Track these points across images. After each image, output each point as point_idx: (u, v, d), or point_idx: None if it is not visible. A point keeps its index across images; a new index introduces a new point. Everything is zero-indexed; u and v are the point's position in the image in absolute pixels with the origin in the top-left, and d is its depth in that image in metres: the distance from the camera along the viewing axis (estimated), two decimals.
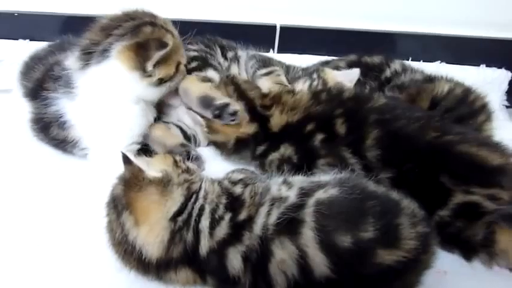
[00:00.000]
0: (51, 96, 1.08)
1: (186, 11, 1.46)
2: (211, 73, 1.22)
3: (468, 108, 1.12)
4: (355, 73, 1.27)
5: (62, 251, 0.94)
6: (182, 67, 1.12)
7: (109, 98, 1.05)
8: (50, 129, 1.12)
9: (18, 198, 1.07)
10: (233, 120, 1.08)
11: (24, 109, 1.15)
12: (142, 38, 1.00)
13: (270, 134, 1.08)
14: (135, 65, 1.01)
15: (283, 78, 1.28)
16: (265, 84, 1.23)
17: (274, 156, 1.07)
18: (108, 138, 1.09)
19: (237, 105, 1.09)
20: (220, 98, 1.10)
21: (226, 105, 1.09)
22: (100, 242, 0.86)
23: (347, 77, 1.27)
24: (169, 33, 1.05)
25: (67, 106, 1.07)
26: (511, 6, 1.48)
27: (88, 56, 1.01)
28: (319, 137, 1.02)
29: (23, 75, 1.18)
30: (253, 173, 1.05)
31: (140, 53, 1.00)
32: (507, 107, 1.54)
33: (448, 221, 0.91)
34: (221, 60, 1.33)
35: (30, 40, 1.57)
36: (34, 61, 1.19)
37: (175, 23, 1.17)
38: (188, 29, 1.34)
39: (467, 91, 1.17)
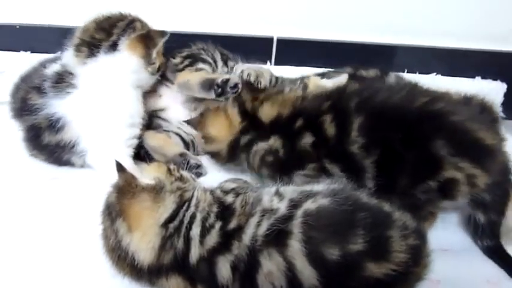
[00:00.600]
0: (39, 102, 1.11)
1: (184, 24, 1.48)
2: (201, 65, 1.27)
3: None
4: (342, 78, 1.28)
5: (58, 258, 0.95)
6: (164, 59, 1.26)
7: (113, 85, 1.14)
8: (42, 137, 1.13)
9: (16, 207, 1.08)
10: (235, 93, 1.13)
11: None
12: (141, 31, 1.15)
13: (259, 123, 1.08)
14: (143, 53, 1.15)
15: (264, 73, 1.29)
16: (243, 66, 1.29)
17: (261, 146, 1.06)
18: (109, 126, 1.13)
19: (236, 78, 1.14)
20: (220, 77, 1.15)
21: (227, 80, 1.13)
22: (95, 249, 0.86)
23: (332, 81, 1.29)
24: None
25: (59, 105, 1.11)
26: (506, 19, 1.50)
27: (92, 51, 1.12)
28: (308, 138, 1.01)
29: (12, 97, 1.22)
30: (246, 182, 1.05)
31: (146, 43, 1.15)
32: (503, 118, 1.54)
33: (433, 189, 0.91)
34: (220, 63, 1.36)
35: (32, 52, 1.59)
36: (21, 81, 1.23)
37: (173, 35, 1.20)
38: (186, 41, 1.36)
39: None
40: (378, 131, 0.93)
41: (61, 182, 1.16)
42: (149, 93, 1.28)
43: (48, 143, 1.14)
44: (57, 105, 1.11)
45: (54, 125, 1.11)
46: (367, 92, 0.99)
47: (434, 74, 1.56)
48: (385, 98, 0.96)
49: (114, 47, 1.12)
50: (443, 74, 1.56)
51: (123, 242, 0.79)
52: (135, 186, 0.81)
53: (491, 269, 0.96)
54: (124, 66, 1.13)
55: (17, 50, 1.60)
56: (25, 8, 1.59)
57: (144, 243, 0.78)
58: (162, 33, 1.17)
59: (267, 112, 1.08)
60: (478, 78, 1.55)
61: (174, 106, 1.31)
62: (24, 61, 1.35)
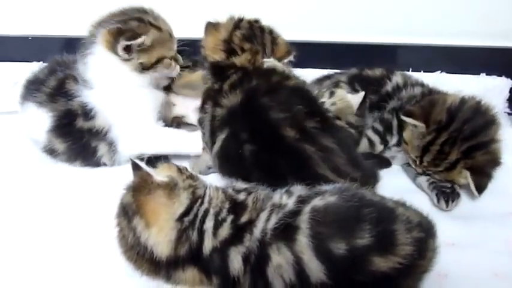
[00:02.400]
0: (74, 89, 1.17)
1: (183, 29, 1.50)
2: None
3: (483, 118, 1.10)
4: (359, 97, 1.28)
5: (75, 260, 0.99)
6: (167, 61, 1.20)
7: (114, 82, 1.16)
8: (76, 122, 1.17)
9: (29, 213, 1.11)
10: None
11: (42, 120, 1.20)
12: (125, 27, 1.10)
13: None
14: (110, 47, 1.11)
15: None
16: None
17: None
18: (131, 115, 1.19)
19: None
20: None
21: None
22: (111, 250, 0.89)
23: (353, 100, 1.28)
24: (154, 28, 1.15)
25: (88, 95, 1.17)
26: (509, 15, 1.51)
27: (87, 47, 1.14)
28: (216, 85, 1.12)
29: (31, 91, 1.24)
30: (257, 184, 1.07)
31: (116, 36, 1.09)
32: (509, 114, 1.55)
33: None
34: None
35: (44, 62, 1.61)
36: (38, 79, 1.27)
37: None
38: (188, 46, 1.37)
39: (479, 102, 1.13)
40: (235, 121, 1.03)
41: (75, 189, 1.19)
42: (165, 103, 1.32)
43: (80, 128, 1.18)
44: (87, 94, 1.17)
45: (88, 112, 1.16)
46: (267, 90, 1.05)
47: (439, 72, 1.57)
48: (266, 105, 1.02)
49: (93, 38, 1.12)
50: (448, 72, 1.57)
51: (141, 238, 0.81)
52: (151, 183, 0.83)
53: (498, 262, 0.96)
54: (101, 60, 1.13)
55: (30, 61, 1.64)
56: (37, 19, 1.63)
57: (161, 237, 0.81)
58: (134, 35, 1.09)
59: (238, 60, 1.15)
60: (483, 75, 1.56)
61: (191, 113, 1.35)
62: None
